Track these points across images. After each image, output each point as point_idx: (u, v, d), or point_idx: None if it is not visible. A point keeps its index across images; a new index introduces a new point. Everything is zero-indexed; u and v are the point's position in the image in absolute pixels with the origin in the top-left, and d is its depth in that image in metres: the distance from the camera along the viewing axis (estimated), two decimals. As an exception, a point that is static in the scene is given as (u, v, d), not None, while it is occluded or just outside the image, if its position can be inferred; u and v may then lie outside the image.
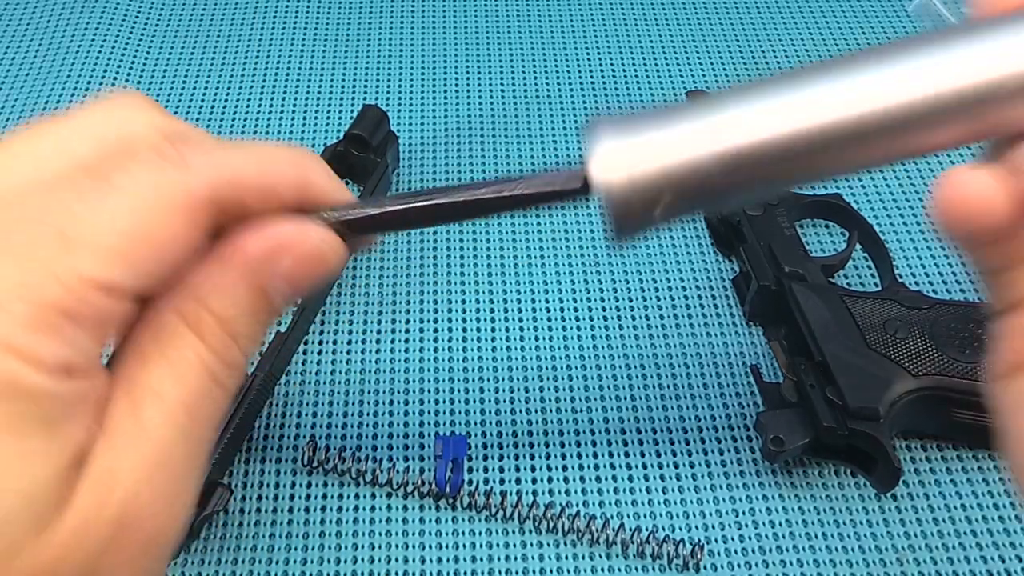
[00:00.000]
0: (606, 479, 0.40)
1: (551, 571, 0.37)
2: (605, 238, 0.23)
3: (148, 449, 0.20)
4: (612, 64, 0.60)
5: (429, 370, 0.44)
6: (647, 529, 0.38)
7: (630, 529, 0.37)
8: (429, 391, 0.43)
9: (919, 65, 0.21)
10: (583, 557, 0.37)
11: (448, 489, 0.38)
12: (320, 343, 0.45)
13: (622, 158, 0.22)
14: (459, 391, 0.43)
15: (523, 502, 0.38)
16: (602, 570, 0.37)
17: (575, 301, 0.47)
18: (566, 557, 0.37)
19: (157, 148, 0.21)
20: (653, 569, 0.37)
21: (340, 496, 0.39)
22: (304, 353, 0.44)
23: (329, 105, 0.58)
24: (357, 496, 0.39)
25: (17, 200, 0.20)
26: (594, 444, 0.41)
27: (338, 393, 0.43)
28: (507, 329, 0.46)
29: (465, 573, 0.37)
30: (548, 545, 0.38)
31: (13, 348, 0.18)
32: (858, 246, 0.48)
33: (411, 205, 0.24)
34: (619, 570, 0.37)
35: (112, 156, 0.21)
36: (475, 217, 0.24)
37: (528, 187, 0.24)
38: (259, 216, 0.22)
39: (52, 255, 0.19)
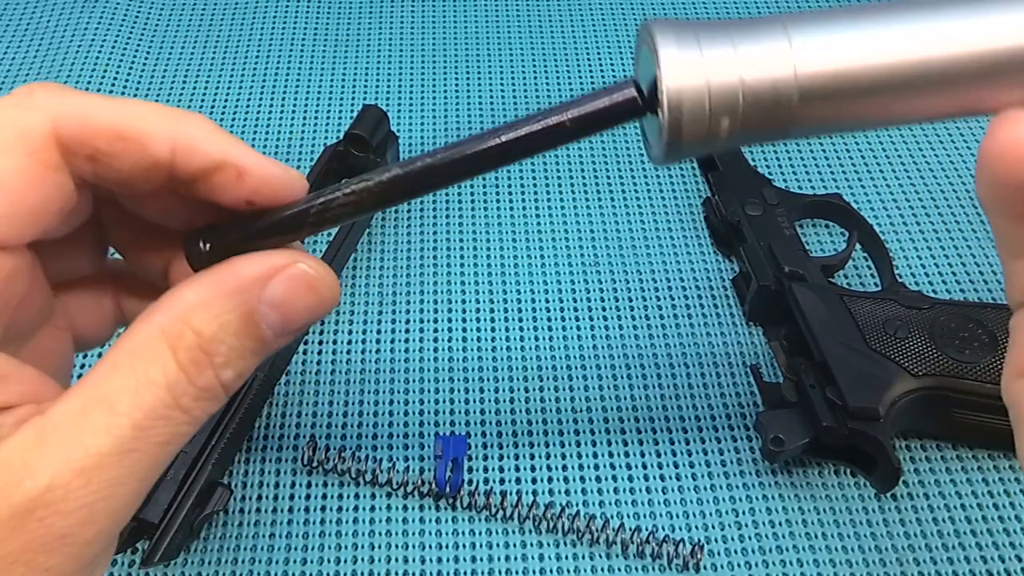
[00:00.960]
0: (606, 479, 0.40)
1: (551, 571, 0.37)
2: (651, 156, 0.20)
3: (80, 454, 0.19)
4: (612, 64, 0.60)
5: (429, 370, 0.44)
6: (647, 529, 0.38)
7: (630, 529, 0.37)
8: (429, 391, 0.43)
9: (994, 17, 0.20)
10: (583, 557, 0.37)
11: (448, 489, 0.38)
12: (320, 343, 0.45)
13: (697, 64, 0.20)
14: (459, 391, 0.43)
15: (523, 502, 0.38)
16: (602, 570, 0.37)
17: (575, 301, 0.47)
18: (566, 557, 0.37)
19: (11, 94, 0.21)
20: (653, 569, 0.37)
21: (340, 496, 0.39)
22: (304, 353, 0.44)
23: (329, 105, 0.58)
24: (357, 496, 0.39)
25: None
26: (594, 444, 0.41)
27: (338, 393, 0.43)
28: (507, 329, 0.46)
29: (465, 573, 0.37)
30: (548, 545, 0.38)
31: None
32: (858, 246, 0.48)
33: (438, 161, 0.22)
34: (619, 570, 0.37)
35: None
36: (519, 160, 0.22)
37: (574, 111, 0.21)
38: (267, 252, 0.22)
39: None
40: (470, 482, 0.40)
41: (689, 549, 0.37)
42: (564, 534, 0.38)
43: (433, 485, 0.38)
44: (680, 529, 0.38)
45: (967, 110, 0.21)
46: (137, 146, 0.21)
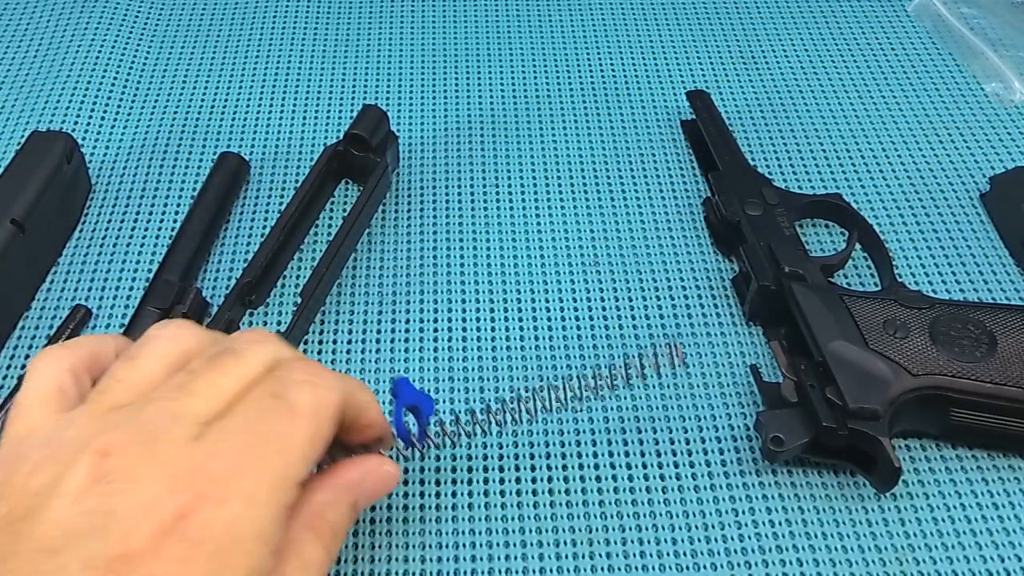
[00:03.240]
0: (606, 479, 0.40)
1: (551, 571, 0.37)
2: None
3: None
4: (612, 64, 0.60)
5: (429, 370, 0.44)
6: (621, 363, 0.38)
7: (607, 367, 0.37)
8: (429, 391, 0.43)
9: None
10: (583, 556, 0.37)
11: (414, 441, 0.36)
12: (320, 343, 0.45)
13: None
14: (459, 391, 0.43)
15: (492, 410, 0.37)
16: (602, 569, 0.37)
17: (575, 301, 0.47)
18: (566, 557, 0.37)
19: (302, 371, 0.29)
20: (653, 568, 0.37)
21: (340, 496, 0.39)
22: (304, 353, 0.44)
23: (329, 105, 0.58)
24: (357, 496, 0.39)
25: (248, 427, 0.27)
26: (594, 444, 0.41)
27: (338, 393, 0.43)
28: (507, 329, 0.46)
29: (465, 573, 0.37)
30: (548, 545, 0.38)
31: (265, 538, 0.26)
32: (858, 246, 0.48)
33: None
34: (619, 569, 0.37)
35: (276, 381, 0.29)
36: None
37: None
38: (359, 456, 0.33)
39: (285, 467, 0.27)
40: (470, 475, 0.40)
41: (667, 351, 0.36)
42: (546, 411, 0.37)
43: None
44: (680, 528, 0.38)
45: None
46: (360, 413, 0.32)
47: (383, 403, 0.43)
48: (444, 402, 0.43)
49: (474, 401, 0.43)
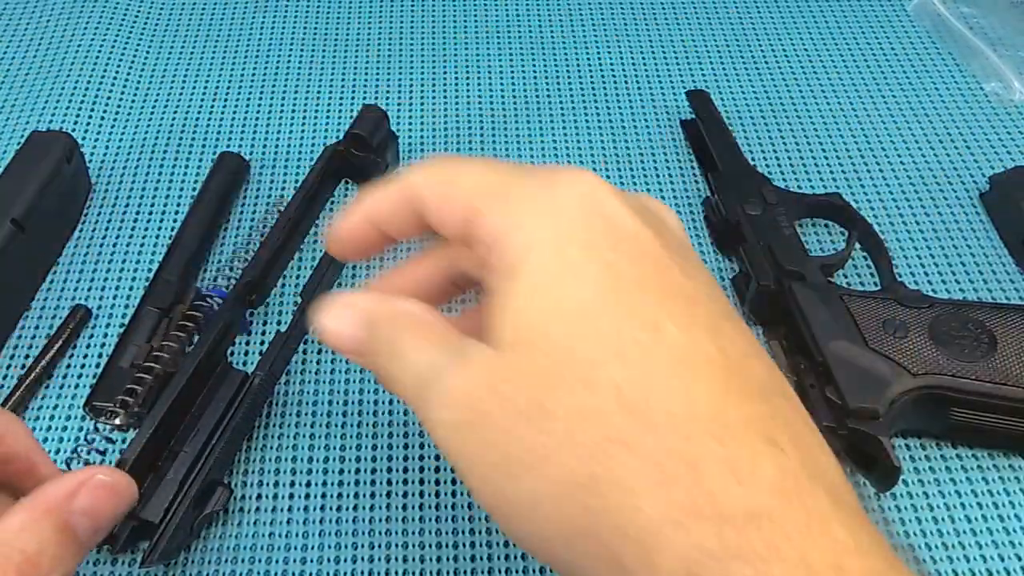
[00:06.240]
0: (606, 479, 0.40)
1: (552, 571, 0.37)
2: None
3: None
4: (612, 64, 0.60)
5: (429, 370, 0.44)
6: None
7: None
8: (429, 391, 0.43)
9: None
10: (583, 557, 0.37)
11: None
12: (320, 343, 0.45)
13: None
14: (459, 391, 0.43)
15: None
16: (602, 570, 0.37)
17: (575, 301, 0.47)
18: (566, 557, 0.37)
19: None
20: None
21: (340, 496, 0.39)
22: (304, 353, 0.44)
23: (329, 105, 0.58)
24: (357, 496, 0.39)
25: None
26: (594, 444, 0.41)
27: (338, 393, 0.43)
28: (507, 329, 0.46)
29: (465, 573, 0.37)
30: (548, 545, 0.38)
31: None
32: (858, 246, 0.48)
33: None
34: (619, 570, 0.37)
35: None
36: None
37: None
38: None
39: None
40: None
41: None
42: None
43: None
44: (680, 529, 0.38)
45: None
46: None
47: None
48: (444, 402, 0.43)
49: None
